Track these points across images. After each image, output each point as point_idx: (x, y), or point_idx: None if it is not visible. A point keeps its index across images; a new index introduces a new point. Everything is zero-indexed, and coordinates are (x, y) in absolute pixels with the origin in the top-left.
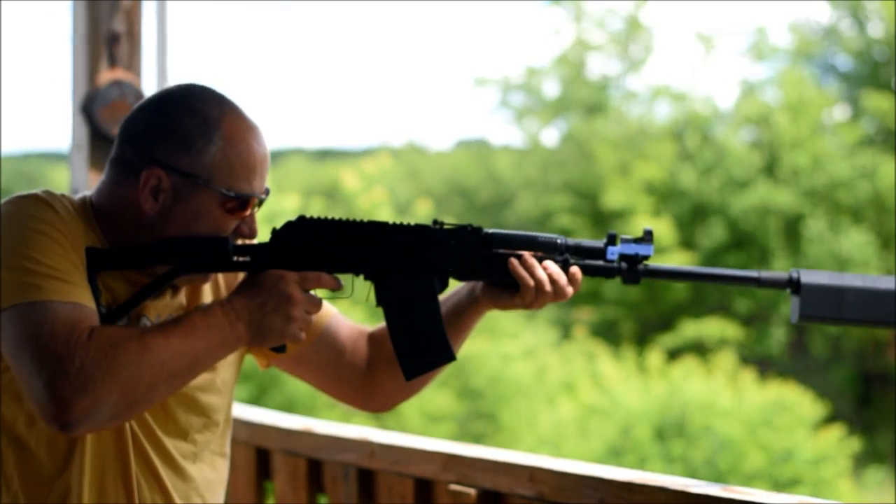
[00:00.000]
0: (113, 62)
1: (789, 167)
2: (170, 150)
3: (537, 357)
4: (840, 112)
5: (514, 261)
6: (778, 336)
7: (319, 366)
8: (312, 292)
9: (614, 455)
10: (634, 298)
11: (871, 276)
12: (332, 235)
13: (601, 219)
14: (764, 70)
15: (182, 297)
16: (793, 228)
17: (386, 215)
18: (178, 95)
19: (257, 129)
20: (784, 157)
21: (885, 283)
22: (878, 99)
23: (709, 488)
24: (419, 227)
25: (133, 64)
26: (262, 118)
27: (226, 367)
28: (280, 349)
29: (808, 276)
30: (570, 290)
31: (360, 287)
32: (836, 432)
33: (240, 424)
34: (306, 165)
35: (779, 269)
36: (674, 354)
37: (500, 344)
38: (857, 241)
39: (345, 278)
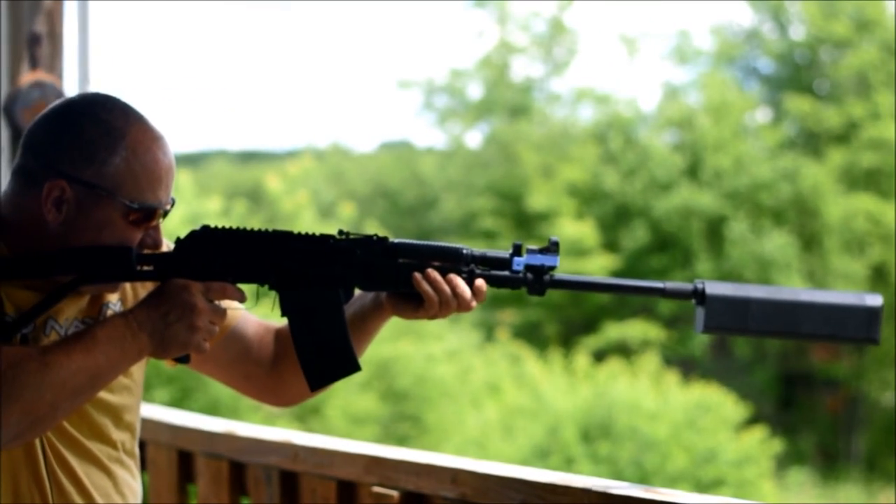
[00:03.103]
0: (34, 63)
1: (712, 169)
2: (73, 161)
3: (461, 359)
4: (762, 114)
5: (418, 275)
6: (700, 338)
7: (226, 363)
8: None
9: (541, 456)
10: (558, 300)
11: (774, 287)
12: (237, 245)
13: (525, 221)
14: (686, 73)
15: (86, 295)
16: (715, 230)
17: (309, 217)
18: (82, 105)
19: (163, 139)
20: (706, 160)
21: (789, 294)
22: (800, 102)
23: (631, 490)
24: (324, 238)
25: (54, 65)
26: (186, 120)
27: (135, 367)
28: (184, 359)
29: (713, 288)
30: (473, 303)
31: (265, 296)
32: (758, 434)
33: (162, 427)
34: (230, 167)
35: (702, 272)
36: (598, 356)
37: (424, 345)
38: (778, 242)
39: (250, 288)
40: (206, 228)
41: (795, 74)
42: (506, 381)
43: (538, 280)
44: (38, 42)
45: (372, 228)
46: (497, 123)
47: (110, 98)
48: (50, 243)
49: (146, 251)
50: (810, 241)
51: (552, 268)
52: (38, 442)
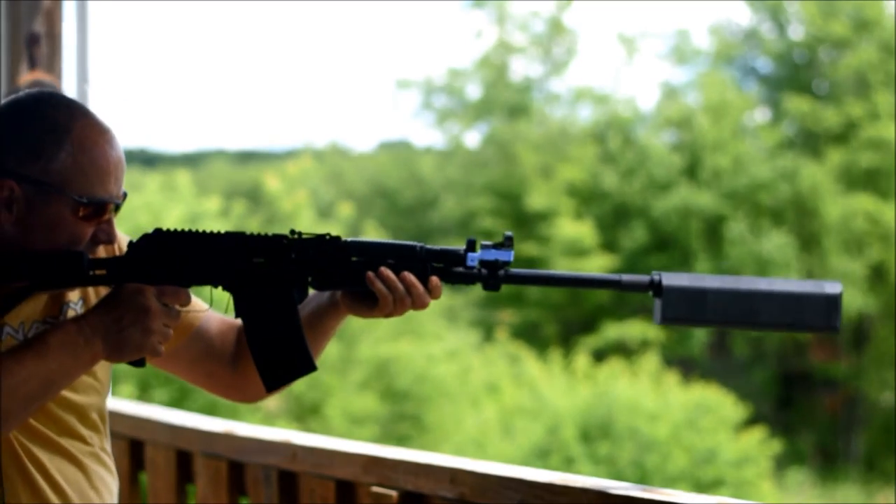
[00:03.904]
0: (33, 63)
1: (711, 169)
2: (20, 159)
3: (460, 359)
4: (761, 114)
5: (371, 275)
6: (699, 337)
7: (189, 362)
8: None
9: (541, 456)
10: (556, 300)
11: (732, 277)
12: (190, 247)
13: (524, 220)
14: (685, 73)
15: (44, 296)
16: (714, 230)
17: (308, 217)
18: (27, 103)
19: (110, 133)
20: (705, 159)
21: (747, 283)
22: (799, 101)
23: (629, 489)
24: (277, 238)
25: (53, 65)
26: (185, 120)
27: (98, 367)
28: (139, 363)
29: (670, 279)
30: (427, 298)
31: (219, 296)
32: (757, 434)
33: (161, 427)
34: (228, 167)
35: (701, 271)
36: (597, 356)
37: (423, 345)
38: (777, 242)
39: (204, 289)
40: (158, 231)
41: (794, 74)
42: (505, 381)
43: (492, 275)
44: (36, 42)
45: (371, 228)
46: (496, 123)
47: (55, 95)
48: (5, 244)
49: (100, 247)
50: (809, 241)
51: (507, 263)
52: None
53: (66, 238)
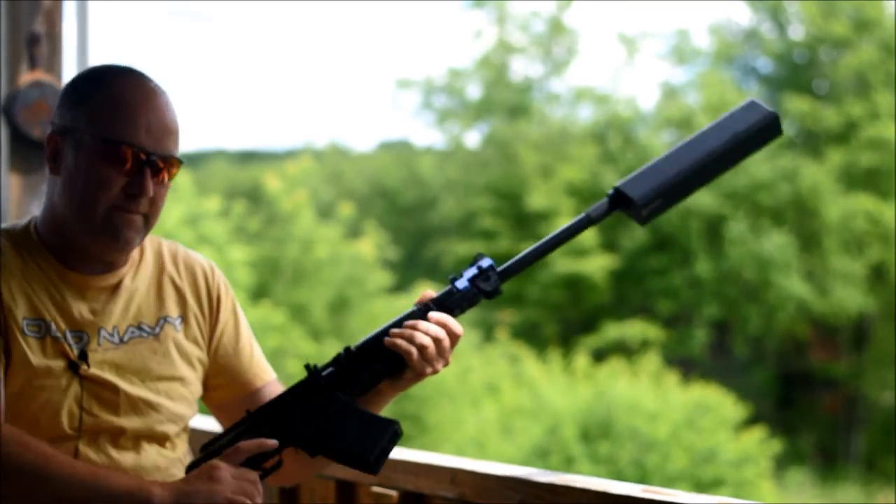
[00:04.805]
0: (33, 63)
1: None
2: (63, 113)
3: (460, 359)
4: None
5: (387, 339)
6: (699, 337)
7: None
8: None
9: (541, 456)
10: (556, 300)
11: (675, 151)
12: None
13: (523, 220)
14: (685, 72)
15: (140, 299)
16: (714, 230)
17: (308, 217)
18: (86, 72)
19: (153, 90)
20: None
21: (693, 146)
22: (799, 102)
23: (629, 489)
24: (307, 381)
25: (53, 65)
26: (185, 119)
27: (194, 382)
28: None
29: (626, 187)
30: (441, 331)
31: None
32: (757, 434)
33: None
34: (228, 167)
35: (701, 272)
36: (597, 356)
37: None
38: (777, 242)
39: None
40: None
41: (794, 74)
42: (505, 381)
43: (486, 282)
44: (37, 42)
45: (371, 228)
46: (496, 123)
47: (117, 65)
48: (62, 208)
49: (136, 202)
50: (809, 241)
51: (490, 266)
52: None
53: (97, 182)
